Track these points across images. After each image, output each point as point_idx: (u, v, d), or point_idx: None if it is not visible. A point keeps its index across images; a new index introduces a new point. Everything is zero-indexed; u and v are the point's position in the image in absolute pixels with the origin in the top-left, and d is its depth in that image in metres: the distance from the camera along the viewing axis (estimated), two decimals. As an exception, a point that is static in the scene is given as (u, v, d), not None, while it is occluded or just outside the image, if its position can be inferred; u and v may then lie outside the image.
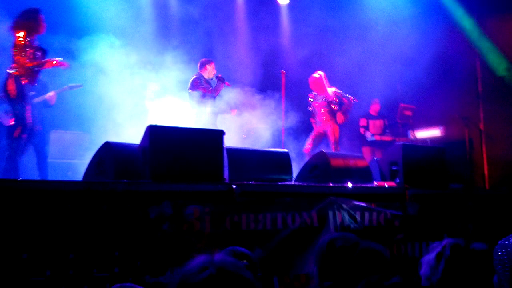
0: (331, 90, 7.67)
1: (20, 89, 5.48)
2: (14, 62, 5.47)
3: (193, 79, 7.30)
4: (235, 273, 1.30)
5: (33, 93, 6.16)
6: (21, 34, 5.46)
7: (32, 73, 5.57)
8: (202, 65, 7.43)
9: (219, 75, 7.40)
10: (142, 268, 3.65)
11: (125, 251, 3.60)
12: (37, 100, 6.47)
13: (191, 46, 8.22)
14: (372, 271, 2.09)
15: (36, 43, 5.67)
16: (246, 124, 7.88)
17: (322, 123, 7.59)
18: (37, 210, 3.37)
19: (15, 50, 5.44)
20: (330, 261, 2.32)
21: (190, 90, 7.28)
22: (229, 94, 7.56)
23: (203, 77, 7.35)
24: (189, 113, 7.19)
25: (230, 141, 6.42)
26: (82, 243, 3.46)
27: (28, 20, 5.57)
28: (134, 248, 3.65)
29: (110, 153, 4.20)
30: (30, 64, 5.47)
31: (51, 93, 6.68)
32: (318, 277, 2.42)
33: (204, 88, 7.22)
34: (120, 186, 3.80)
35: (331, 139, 7.49)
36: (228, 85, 7.44)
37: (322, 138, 7.63)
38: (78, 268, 3.39)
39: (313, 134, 7.65)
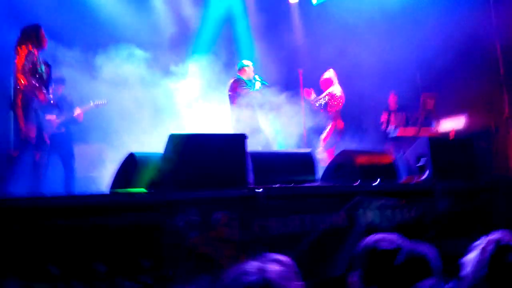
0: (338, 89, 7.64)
1: (25, 105, 5.43)
2: (18, 79, 5.44)
3: (233, 82, 7.21)
4: (279, 280, 1.26)
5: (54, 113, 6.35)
6: (22, 52, 5.43)
7: (38, 90, 5.53)
8: (241, 67, 7.36)
9: (257, 76, 7.33)
10: (174, 277, 3.63)
11: (156, 261, 3.59)
12: (64, 118, 6.64)
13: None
14: (418, 275, 2.02)
15: (41, 58, 5.65)
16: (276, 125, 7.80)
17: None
18: (65, 225, 3.37)
19: (18, 67, 5.39)
20: (373, 265, 2.24)
21: (230, 93, 7.16)
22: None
23: (242, 79, 7.27)
24: (228, 116, 7.10)
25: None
26: (113, 256, 3.46)
27: (30, 36, 5.55)
28: (165, 258, 3.64)
29: (135, 163, 4.20)
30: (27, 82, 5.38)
31: (78, 111, 6.81)
32: (361, 283, 2.34)
33: (245, 89, 7.11)
34: (147, 197, 3.80)
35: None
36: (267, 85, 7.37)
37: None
38: (111, 281, 3.38)
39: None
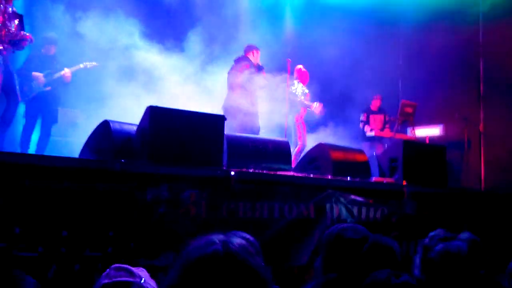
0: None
1: None
2: None
3: (240, 59, 7.06)
4: (241, 252, 1.26)
5: (48, 70, 6.28)
6: None
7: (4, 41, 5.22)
8: (250, 49, 7.21)
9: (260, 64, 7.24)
10: (136, 250, 3.60)
11: (120, 231, 3.55)
12: (51, 77, 6.50)
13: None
14: (380, 266, 2.04)
15: (10, 10, 5.35)
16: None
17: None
18: (31, 185, 3.30)
19: None
20: (337, 252, 2.25)
21: (232, 71, 6.98)
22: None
23: (250, 60, 7.11)
24: (222, 96, 7.01)
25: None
26: (76, 222, 3.40)
27: None
28: (129, 229, 3.60)
29: (108, 131, 4.12)
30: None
31: (66, 70, 6.65)
32: (323, 268, 2.34)
33: (250, 69, 6.93)
34: (118, 166, 3.73)
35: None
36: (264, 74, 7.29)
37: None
38: (70, 246, 3.33)
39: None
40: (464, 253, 2.07)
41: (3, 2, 5.27)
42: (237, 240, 1.32)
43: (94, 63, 6.99)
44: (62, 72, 6.61)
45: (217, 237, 1.31)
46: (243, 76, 6.85)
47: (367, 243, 2.17)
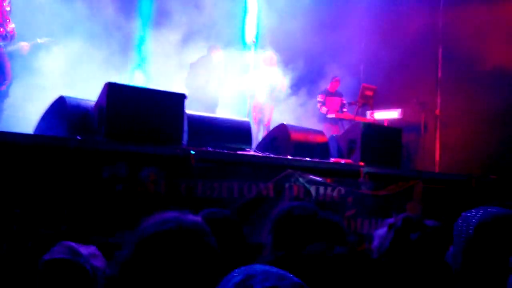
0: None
1: None
2: None
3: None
4: (195, 230, 1.27)
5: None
6: None
7: None
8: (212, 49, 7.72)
9: None
10: (91, 228, 3.55)
11: (74, 209, 3.49)
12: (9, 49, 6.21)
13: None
14: (330, 241, 2.09)
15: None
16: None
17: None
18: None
19: None
20: (286, 229, 2.28)
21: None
22: None
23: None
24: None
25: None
26: (29, 199, 3.32)
27: None
28: (84, 207, 3.55)
29: (64, 108, 4.01)
30: None
31: (24, 43, 6.37)
32: (272, 246, 2.39)
33: None
34: (73, 143, 3.65)
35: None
36: None
37: None
38: (22, 223, 3.25)
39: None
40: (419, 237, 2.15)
41: None
42: (190, 218, 1.33)
43: (51, 39, 6.77)
44: (21, 44, 6.34)
45: (172, 215, 1.32)
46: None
47: (315, 219, 2.21)
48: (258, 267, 0.93)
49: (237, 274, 0.93)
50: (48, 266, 1.60)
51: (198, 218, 1.39)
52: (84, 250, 1.65)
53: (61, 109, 4.05)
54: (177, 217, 1.30)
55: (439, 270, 2.27)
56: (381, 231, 2.59)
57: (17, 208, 3.28)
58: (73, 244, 1.67)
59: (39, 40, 6.65)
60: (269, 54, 8.01)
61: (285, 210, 2.34)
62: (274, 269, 0.91)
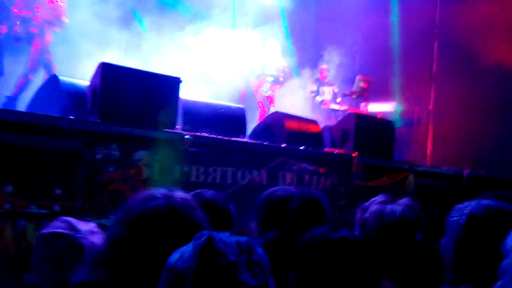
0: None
1: None
2: None
3: None
4: (183, 206, 1.27)
5: None
6: None
7: None
8: None
9: None
10: (84, 209, 3.54)
11: (67, 190, 3.47)
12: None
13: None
14: (311, 218, 2.11)
15: None
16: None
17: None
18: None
19: None
20: (269, 211, 2.30)
21: None
22: None
23: None
24: None
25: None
26: (21, 178, 3.29)
27: None
28: (77, 188, 3.52)
29: (58, 87, 3.97)
30: None
31: None
32: (258, 229, 2.40)
33: None
34: (66, 123, 3.61)
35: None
36: None
37: None
38: (15, 201, 3.23)
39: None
40: (395, 215, 2.16)
41: None
42: (179, 195, 1.33)
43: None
44: None
45: (160, 192, 1.31)
46: None
47: (296, 198, 2.24)
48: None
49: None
50: (44, 239, 1.59)
51: (186, 194, 1.39)
52: (83, 226, 1.65)
53: (54, 88, 4.00)
54: (165, 193, 1.30)
55: (428, 255, 2.30)
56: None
57: (9, 186, 3.26)
58: (72, 219, 1.66)
59: None
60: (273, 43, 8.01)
61: (267, 194, 2.37)
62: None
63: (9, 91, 5.56)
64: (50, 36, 5.86)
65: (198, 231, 1.21)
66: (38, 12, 5.69)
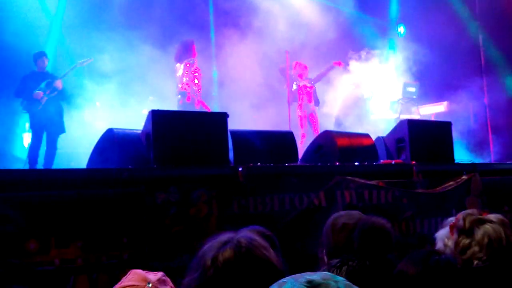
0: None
1: None
2: None
3: None
4: (254, 248, 1.30)
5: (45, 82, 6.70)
6: None
7: None
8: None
9: None
10: (151, 254, 3.62)
11: (133, 237, 3.58)
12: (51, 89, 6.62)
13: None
14: (375, 245, 2.09)
15: None
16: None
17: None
18: (43, 199, 3.33)
19: None
20: (334, 239, 2.29)
21: None
22: None
23: None
24: None
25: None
26: (90, 231, 3.43)
27: None
28: (142, 234, 3.62)
29: (113, 139, 4.15)
30: None
31: (57, 81, 6.76)
32: (327, 257, 2.40)
33: None
34: (125, 173, 3.75)
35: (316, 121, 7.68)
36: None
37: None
38: (87, 255, 3.36)
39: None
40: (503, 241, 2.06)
41: None
42: (249, 236, 1.36)
43: (90, 59, 7.10)
44: (55, 84, 6.70)
45: (229, 236, 1.36)
46: None
47: (360, 225, 2.21)
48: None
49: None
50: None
51: (253, 234, 1.41)
52: (152, 276, 1.72)
53: (110, 140, 4.19)
54: (236, 237, 1.34)
55: None
56: (442, 232, 2.50)
57: (79, 241, 3.40)
58: (142, 271, 1.73)
59: (75, 65, 7.00)
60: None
61: (331, 220, 2.35)
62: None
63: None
64: None
65: (272, 271, 1.22)
66: None
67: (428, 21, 9.32)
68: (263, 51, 8.35)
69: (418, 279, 1.42)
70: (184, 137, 4.18)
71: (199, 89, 7.37)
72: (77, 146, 6.99)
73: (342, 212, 2.44)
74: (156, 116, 4.09)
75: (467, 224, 2.20)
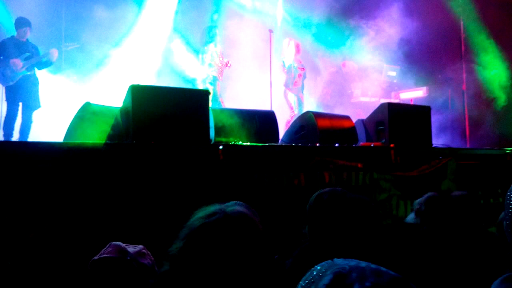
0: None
1: None
2: None
3: None
4: (241, 219, 1.31)
5: (26, 54, 6.43)
6: None
7: None
8: None
9: None
10: (128, 230, 3.59)
11: (112, 213, 3.53)
12: (31, 62, 6.45)
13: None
14: (361, 220, 2.12)
15: None
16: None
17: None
18: (13, 170, 3.25)
19: None
20: (319, 215, 2.30)
21: None
22: None
23: None
24: None
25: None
26: (65, 205, 3.37)
27: None
28: (122, 210, 3.58)
29: (92, 114, 4.06)
30: None
31: (54, 50, 6.57)
32: (309, 233, 2.40)
33: None
34: (103, 148, 3.69)
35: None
36: None
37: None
38: (63, 229, 3.31)
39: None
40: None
41: None
42: (236, 207, 1.38)
43: (77, 44, 6.93)
44: (50, 53, 6.51)
45: (217, 207, 1.38)
46: None
47: (344, 200, 2.23)
48: (339, 262, 0.81)
49: (321, 273, 0.80)
50: (96, 265, 1.65)
51: (241, 207, 1.43)
52: (132, 249, 1.71)
53: (88, 115, 4.10)
54: (221, 208, 1.37)
55: (484, 239, 2.27)
56: (411, 215, 2.58)
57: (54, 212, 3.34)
58: (121, 244, 1.72)
59: (64, 48, 6.84)
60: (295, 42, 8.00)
61: (315, 196, 2.36)
62: (360, 263, 0.79)
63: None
64: None
65: (258, 240, 1.23)
66: None
67: (411, 7, 9.36)
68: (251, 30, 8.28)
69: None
70: (165, 114, 4.12)
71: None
72: (53, 119, 6.84)
73: (326, 189, 2.45)
74: (136, 91, 4.01)
75: (426, 208, 2.32)
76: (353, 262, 0.80)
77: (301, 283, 0.80)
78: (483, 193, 5.27)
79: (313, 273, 0.80)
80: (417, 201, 2.57)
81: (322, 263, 0.82)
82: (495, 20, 8.32)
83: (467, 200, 2.43)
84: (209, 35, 7.51)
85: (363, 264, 0.79)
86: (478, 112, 8.46)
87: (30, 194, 3.26)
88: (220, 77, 7.45)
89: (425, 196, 2.49)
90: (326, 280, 0.77)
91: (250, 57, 8.10)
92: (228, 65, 7.49)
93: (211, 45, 7.49)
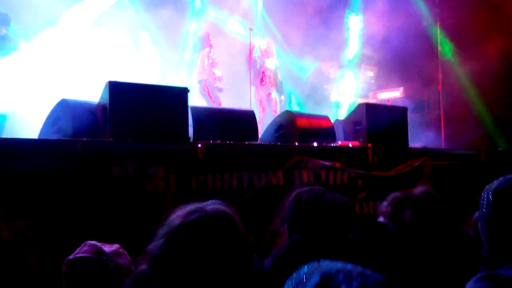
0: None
1: None
2: None
3: None
4: (221, 218, 1.31)
5: None
6: None
7: None
8: None
9: None
10: (105, 229, 3.53)
11: (86, 212, 3.47)
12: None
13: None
14: (338, 220, 2.15)
15: None
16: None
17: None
18: None
19: None
20: (297, 214, 2.32)
21: None
22: None
23: None
24: None
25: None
26: (40, 204, 3.30)
27: None
28: (97, 208, 3.53)
29: (67, 110, 3.98)
30: None
31: None
32: (288, 232, 2.42)
33: None
34: (79, 145, 3.62)
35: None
36: None
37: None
38: (36, 229, 3.24)
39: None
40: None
41: None
42: (216, 206, 1.38)
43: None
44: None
45: (197, 206, 1.38)
46: None
47: (324, 200, 2.26)
48: (326, 263, 0.82)
49: (309, 274, 0.80)
50: (72, 265, 1.62)
51: (220, 206, 1.43)
52: (108, 248, 1.67)
53: (64, 111, 4.02)
54: (201, 207, 1.37)
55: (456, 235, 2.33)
56: (381, 218, 2.62)
57: (30, 214, 3.26)
58: (97, 243, 1.68)
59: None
60: (268, 42, 7.98)
61: (294, 196, 2.38)
62: (347, 265, 0.81)
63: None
64: None
65: (237, 241, 1.23)
66: None
67: (388, 8, 9.47)
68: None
69: (364, 244, 1.53)
70: (143, 110, 4.07)
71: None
72: (29, 116, 6.67)
73: (305, 188, 2.47)
74: (114, 87, 3.95)
75: (393, 209, 2.37)
76: (339, 264, 0.81)
77: (288, 283, 0.81)
78: (458, 193, 5.38)
79: (300, 274, 0.81)
80: (383, 203, 2.61)
81: (309, 264, 0.83)
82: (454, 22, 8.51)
83: (430, 196, 2.48)
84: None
85: (349, 266, 0.81)
86: (453, 113, 8.62)
87: (4, 191, 3.17)
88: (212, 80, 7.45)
89: (390, 197, 2.54)
90: (313, 281, 0.78)
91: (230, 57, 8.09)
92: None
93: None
